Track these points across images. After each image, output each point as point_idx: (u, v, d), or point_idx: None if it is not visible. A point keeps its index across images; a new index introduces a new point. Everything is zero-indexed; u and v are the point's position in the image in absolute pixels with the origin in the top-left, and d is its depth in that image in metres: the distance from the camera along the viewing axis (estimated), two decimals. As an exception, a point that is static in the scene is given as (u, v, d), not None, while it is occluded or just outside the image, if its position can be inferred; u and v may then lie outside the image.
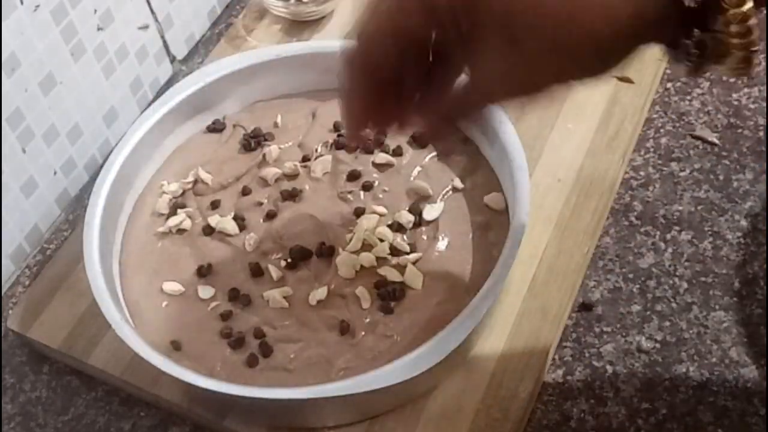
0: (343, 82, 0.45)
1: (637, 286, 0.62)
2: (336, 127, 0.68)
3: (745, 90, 0.71)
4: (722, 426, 0.56)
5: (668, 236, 0.64)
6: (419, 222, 0.62)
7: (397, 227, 0.62)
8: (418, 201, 0.63)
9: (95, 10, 0.69)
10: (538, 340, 0.59)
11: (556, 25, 0.38)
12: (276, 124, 0.69)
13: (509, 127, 0.62)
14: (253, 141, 0.68)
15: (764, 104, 0.70)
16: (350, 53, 0.44)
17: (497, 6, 0.39)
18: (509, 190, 0.62)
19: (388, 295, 0.59)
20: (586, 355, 0.60)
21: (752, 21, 0.38)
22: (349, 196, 0.64)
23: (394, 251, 0.61)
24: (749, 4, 0.37)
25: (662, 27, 0.39)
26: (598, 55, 0.40)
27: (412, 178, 0.65)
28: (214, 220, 0.64)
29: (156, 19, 0.76)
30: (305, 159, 0.67)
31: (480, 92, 0.44)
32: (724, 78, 0.72)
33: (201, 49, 0.82)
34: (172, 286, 0.61)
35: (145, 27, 0.75)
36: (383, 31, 0.42)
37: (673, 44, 0.40)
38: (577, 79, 0.44)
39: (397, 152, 0.66)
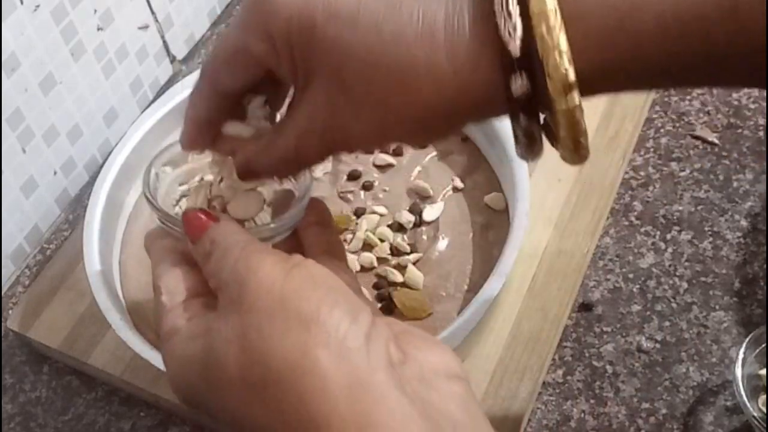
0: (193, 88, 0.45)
1: (637, 286, 0.62)
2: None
3: (745, 90, 0.71)
4: (722, 426, 0.56)
5: (668, 236, 0.64)
6: (419, 222, 0.62)
7: (398, 227, 0.62)
8: (418, 201, 0.63)
9: (95, 10, 0.69)
10: (538, 340, 0.59)
11: (386, 80, 0.39)
12: (276, 124, 0.69)
13: (509, 127, 0.62)
14: (253, 141, 0.68)
15: (764, 104, 0.70)
16: (204, 62, 0.45)
17: (334, 47, 0.39)
18: (509, 190, 0.62)
19: (389, 295, 0.59)
20: (586, 355, 0.60)
21: (578, 113, 0.38)
22: (349, 196, 0.64)
23: (395, 251, 0.61)
24: (575, 97, 0.37)
25: (489, 109, 0.39)
26: (422, 121, 0.40)
27: (412, 178, 0.65)
28: (214, 220, 0.64)
29: (156, 19, 0.76)
30: (305, 159, 0.67)
31: (296, 128, 0.42)
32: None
33: (201, 49, 0.82)
34: (172, 286, 0.61)
35: (145, 27, 0.75)
36: (228, 41, 0.43)
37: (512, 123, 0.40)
38: (397, 139, 0.45)
39: (397, 152, 0.66)
